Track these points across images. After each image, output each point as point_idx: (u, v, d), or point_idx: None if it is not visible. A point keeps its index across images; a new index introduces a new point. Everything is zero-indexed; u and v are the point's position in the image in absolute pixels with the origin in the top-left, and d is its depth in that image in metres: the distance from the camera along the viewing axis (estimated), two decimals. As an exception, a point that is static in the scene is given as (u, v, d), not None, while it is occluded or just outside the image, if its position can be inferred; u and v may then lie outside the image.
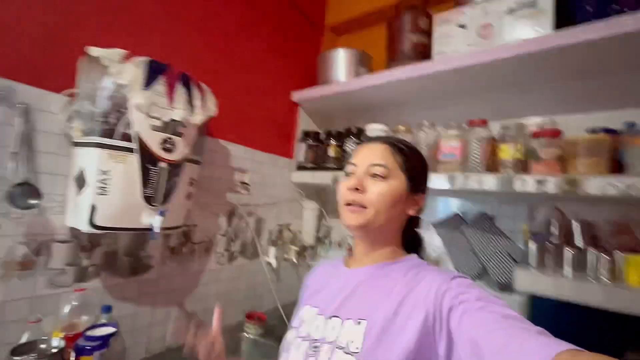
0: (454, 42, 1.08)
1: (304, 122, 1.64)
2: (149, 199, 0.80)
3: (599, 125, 0.99)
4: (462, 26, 1.06)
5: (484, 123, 1.09)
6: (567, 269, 0.99)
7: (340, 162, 1.42)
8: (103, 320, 0.84)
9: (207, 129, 1.13)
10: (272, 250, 1.41)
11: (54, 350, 0.70)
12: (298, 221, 1.61)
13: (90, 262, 0.87)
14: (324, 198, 1.75)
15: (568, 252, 1.00)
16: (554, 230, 1.04)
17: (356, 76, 1.40)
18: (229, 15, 1.24)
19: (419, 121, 1.22)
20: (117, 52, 0.76)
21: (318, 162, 1.51)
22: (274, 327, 1.31)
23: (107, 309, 0.85)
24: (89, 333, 0.76)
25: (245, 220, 1.31)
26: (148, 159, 0.79)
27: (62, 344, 0.72)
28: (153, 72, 0.79)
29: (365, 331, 0.52)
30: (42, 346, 0.70)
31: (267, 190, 1.43)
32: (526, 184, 0.92)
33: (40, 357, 0.68)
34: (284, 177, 1.53)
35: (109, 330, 0.78)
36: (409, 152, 0.65)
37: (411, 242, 0.68)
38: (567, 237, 1.04)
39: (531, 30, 0.94)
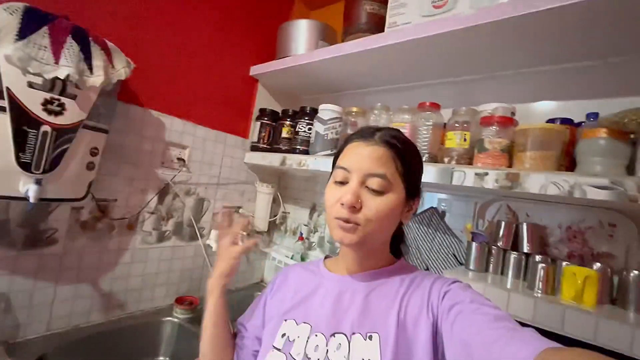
0: (408, 12, 0.95)
1: (265, 101, 1.53)
2: (25, 166, 0.72)
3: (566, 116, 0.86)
4: (417, -7, 0.93)
5: (435, 107, 0.97)
6: (510, 276, 0.89)
7: (292, 143, 1.32)
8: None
9: (130, 96, 1.04)
10: (214, 234, 1.33)
11: None
12: (251, 205, 1.52)
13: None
14: (283, 182, 1.66)
15: (512, 257, 0.89)
16: (502, 231, 0.93)
17: (315, 50, 1.28)
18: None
19: (382, 105, 1.10)
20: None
21: (272, 143, 1.41)
22: (206, 313, 1.25)
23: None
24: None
25: (181, 200, 1.22)
26: (24, 120, 0.71)
27: None
28: (31, 21, 0.70)
29: (381, 346, 0.47)
30: None
31: (212, 170, 1.34)
32: (465, 177, 0.81)
33: None
34: (236, 157, 1.43)
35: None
36: (409, 153, 0.55)
37: (394, 240, 0.61)
38: (516, 240, 0.92)
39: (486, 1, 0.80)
